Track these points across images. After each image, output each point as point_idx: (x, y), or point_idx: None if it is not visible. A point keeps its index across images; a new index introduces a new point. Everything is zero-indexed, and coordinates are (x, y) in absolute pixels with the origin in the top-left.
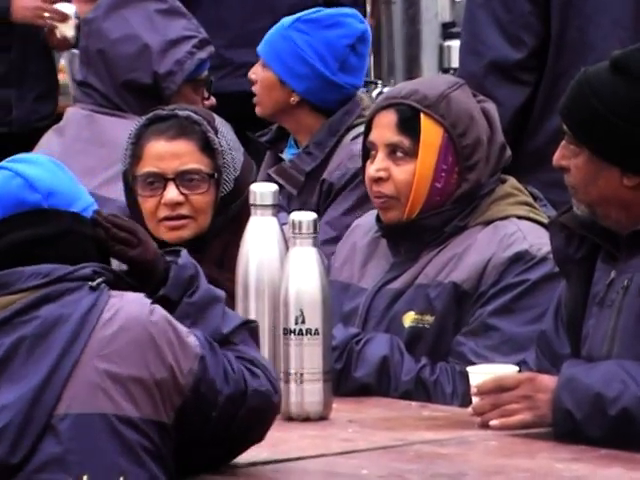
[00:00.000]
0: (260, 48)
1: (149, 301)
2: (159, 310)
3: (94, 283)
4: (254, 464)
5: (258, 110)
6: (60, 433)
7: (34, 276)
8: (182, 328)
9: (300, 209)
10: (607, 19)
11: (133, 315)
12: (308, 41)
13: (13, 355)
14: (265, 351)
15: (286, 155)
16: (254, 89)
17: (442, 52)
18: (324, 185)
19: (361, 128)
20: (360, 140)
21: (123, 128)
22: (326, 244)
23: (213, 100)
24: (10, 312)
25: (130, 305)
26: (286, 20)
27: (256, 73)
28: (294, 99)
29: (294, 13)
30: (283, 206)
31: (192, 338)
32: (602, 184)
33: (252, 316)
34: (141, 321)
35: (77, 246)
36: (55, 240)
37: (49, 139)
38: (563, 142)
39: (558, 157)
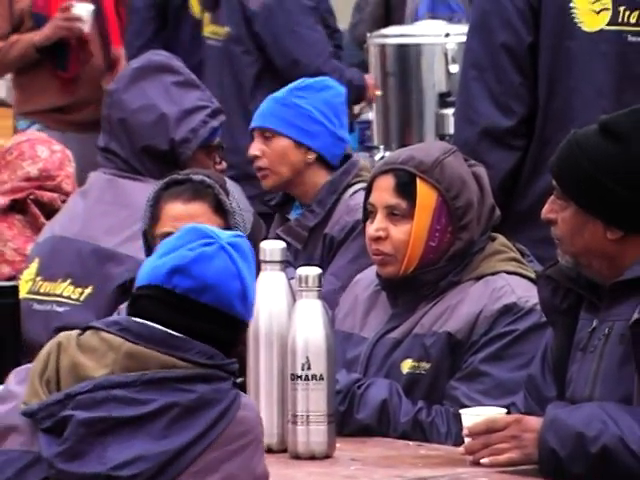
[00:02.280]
0: (261, 122)
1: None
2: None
3: (238, 380)
4: None
5: (270, 181)
6: None
7: (201, 354)
8: None
9: (306, 263)
10: (590, 90)
11: (254, 418)
12: (310, 103)
13: (162, 414)
14: (274, 395)
15: (292, 216)
16: (260, 164)
17: (439, 120)
18: (326, 239)
19: (358, 185)
20: (357, 196)
21: (142, 191)
22: (332, 294)
23: (224, 164)
24: (172, 375)
25: (250, 409)
26: (279, 93)
27: (260, 149)
28: (310, 157)
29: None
30: (290, 262)
31: None
32: (587, 236)
33: (262, 363)
34: (257, 425)
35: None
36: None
37: (75, 201)
38: (552, 197)
39: (547, 210)
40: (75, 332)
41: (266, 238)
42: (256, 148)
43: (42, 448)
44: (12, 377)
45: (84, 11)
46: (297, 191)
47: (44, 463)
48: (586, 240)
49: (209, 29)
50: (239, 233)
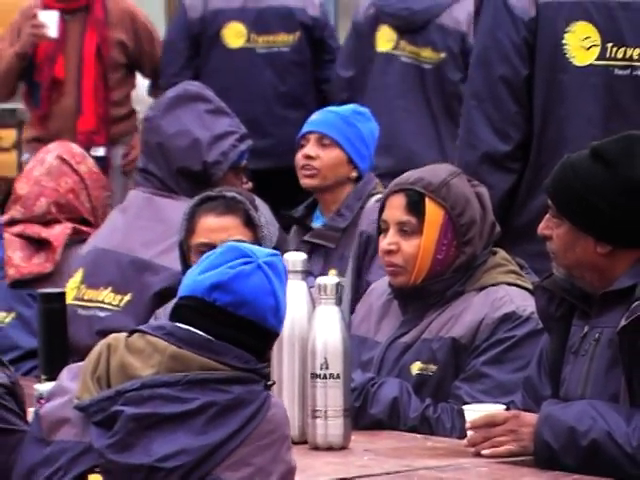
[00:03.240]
0: (324, 129)
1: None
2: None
3: (269, 383)
4: None
5: (315, 181)
6: None
7: (237, 359)
8: None
9: (340, 259)
10: (580, 119)
11: (282, 416)
12: (366, 128)
13: (202, 412)
14: (295, 392)
15: (316, 224)
16: (314, 164)
17: None
18: (362, 236)
19: (379, 195)
20: None
21: (176, 208)
22: None
23: (250, 184)
24: (212, 376)
25: (279, 408)
26: (343, 110)
27: (317, 152)
28: (353, 175)
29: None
30: (311, 271)
31: None
32: (579, 251)
33: (285, 363)
34: (285, 423)
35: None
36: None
37: (115, 216)
38: (547, 215)
39: (542, 227)
40: (123, 335)
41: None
42: (313, 150)
43: (93, 439)
44: (65, 374)
45: (48, 18)
46: (329, 197)
47: (94, 453)
48: (578, 254)
49: (407, 48)
50: (275, 252)
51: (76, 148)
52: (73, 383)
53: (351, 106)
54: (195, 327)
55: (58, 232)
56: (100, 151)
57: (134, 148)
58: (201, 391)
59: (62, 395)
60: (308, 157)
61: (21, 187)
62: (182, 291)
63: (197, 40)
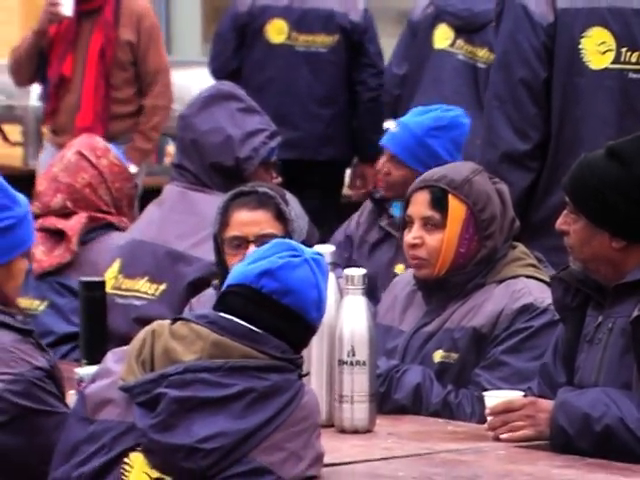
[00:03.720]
0: (395, 149)
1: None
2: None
3: (303, 373)
4: None
5: (389, 193)
6: (244, 470)
7: (276, 348)
8: None
9: None
10: (596, 120)
11: (314, 405)
12: (441, 144)
13: (241, 397)
14: (323, 378)
15: (392, 211)
16: (387, 179)
17: None
18: None
19: None
20: None
21: (209, 202)
22: None
23: (280, 179)
24: (251, 364)
25: (311, 396)
26: (417, 128)
27: (389, 167)
28: None
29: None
30: (339, 263)
31: None
32: (595, 245)
33: (314, 350)
34: (317, 412)
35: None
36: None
37: (151, 210)
38: (565, 211)
39: (560, 223)
40: (167, 322)
41: (324, 241)
42: (385, 166)
43: (136, 419)
44: (109, 357)
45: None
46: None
47: (137, 432)
48: (594, 248)
49: (464, 47)
50: (319, 252)
51: (99, 142)
52: (118, 366)
53: (429, 122)
54: (239, 315)
55: (73, 222)
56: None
57: None
58: (240, 377)
59: (107, 377)
60: (385, 174)
61: (40, 183)
62: (230, 280)
63: (243, 32)
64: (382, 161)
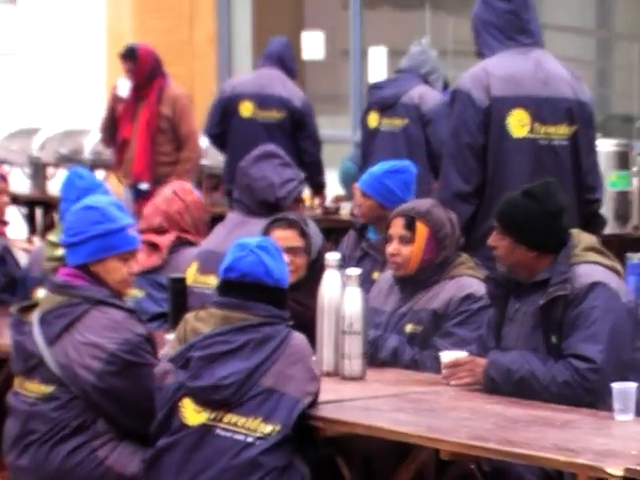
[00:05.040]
0: (363, 186)
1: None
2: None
3: (289, 323)
4: (326, 402)
5: (364, 219)
6: (257, 393)
7: (262, 310)
8: None
9: (382, 266)
10: (516, 172)
11: (302, 343)
12: (393, 183)
13: (244, 347)
14: (332, 342)
15: (369, 235)
16: (360, 210)
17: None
18: None
19: None
20: None
21: (257, 224)
22: None
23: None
24: (247, 324)
25: (300, 338)
26: (378, 170)
27: (361, 201)
28: (388, 213)
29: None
30: (343, 265)
31: None
32: (516, 256)
33: (325, 324)
34: (305, 347)
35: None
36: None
37: (219, 229)
38: (495, 232)
39: (491, 241)
40: (194, 312)
41: (335, 248)
42: (359, 200)
43: (179, 377)
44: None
45: (122, 84)
46: (377, 225)
47: (180, 385)
48: (516, 258)
49: (383, 121)
50: (267, 240)
51: (187, 185)
52: (168, 348)
53: (385, 167)
54: (233, 295)
55: (164, 239)
56: (144, 186)
57: None
58: (242, 334)
59: (163, 359)
60: (359, 205)
61: (147, 209)
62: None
63: (225, 109)
64: (357, 196)
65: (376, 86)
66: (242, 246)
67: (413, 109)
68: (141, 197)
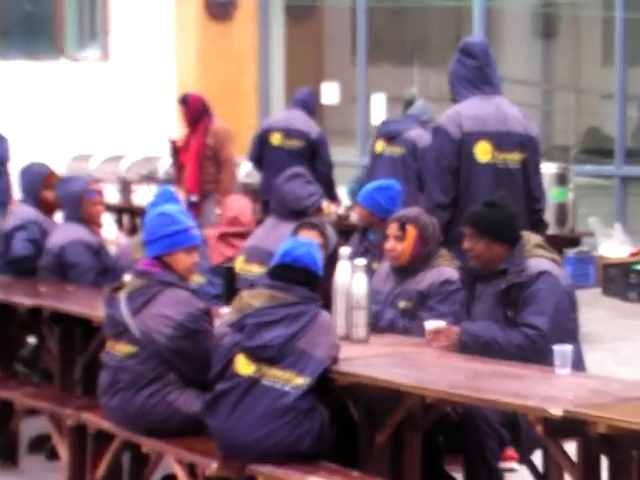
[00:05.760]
0: (361, 201)
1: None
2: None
3: (318, 303)
4: (340, 360)
5: (361, 224)
6: (292, 353)
7: (297, 292)
8: None
9: (380, 258)
10: (481, 188)
11: (327, 319)
12: (381, 198)
13: (285, 319)
14: (344, 316)
15: (370, 237)
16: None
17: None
18: None
19: None
20: None
21: (288, 227)
22: None
23: (325, 217)
24: (287, 301)
25: (326, 315)
26: (371, 189)
27: (360, 212)
28: (377, 220)
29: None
30: (352, 257)
31: None
32: (487, 255)
33: (338, 301)
34: (330, 321)
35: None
36: (317, 283)
37: (259, 230)
38: (468, 238)
39: (467, 245)
40: (247, 291)
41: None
42: (357, 210)
43: (235, 339)
44: (226, 311)
45: (173, 132)
46: (372, 228)
47: (237, 344)
48: (489, 254)
49: (387, 148)
50: (313, 241)
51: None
52: (228, 314)
53: (377, 184)
54: (278, 280)
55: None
56: (193, 198)
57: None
58: (283, 309)
59: (222, 325)
60: (359, 214)
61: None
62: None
63: (262, 139)
64: (357, 208)
65: (386, 122)
66: (296, 241)
67: (410, 144)
68: (191, 207)
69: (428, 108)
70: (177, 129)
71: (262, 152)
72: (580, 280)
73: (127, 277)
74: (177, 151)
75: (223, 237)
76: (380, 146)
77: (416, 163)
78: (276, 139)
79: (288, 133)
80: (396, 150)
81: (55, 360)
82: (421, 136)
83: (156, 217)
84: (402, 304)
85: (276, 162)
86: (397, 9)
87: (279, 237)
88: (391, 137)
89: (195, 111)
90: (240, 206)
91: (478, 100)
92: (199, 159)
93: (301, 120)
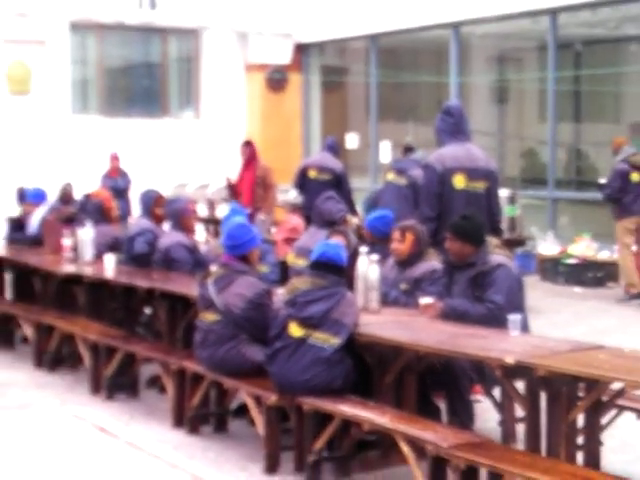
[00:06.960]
0: (366, 225)
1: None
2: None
3: (345, 286)
4: (360, 324)
5: (369, 240)
6: (329, 321)
7: (331, 278)
8: None
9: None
10: (457, 208)
11: (353, 299)
12: (379, 224)
13: (322, 298)
14: (362, 294)
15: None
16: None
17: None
18: None
19: None
20: None
21: (324, 233)
22: None
23: (347, 227)
24: (324, 285)
25: (352, 295)
26: (371, 218)
27: (366, 234)
28: (377, 239)
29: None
30: (368, 254)
31: None
32: (460, 250)
33: (360, 285)
34: (354, 301)
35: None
36: (343, 272)
37: (304, 236)
38: (448, 240)
39: (448, 245)
40: (295, 278)
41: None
42: (365, 233)
43: (288, 311)
44: (279, 291)
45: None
46: (376, 243)
47: (290, 315)
48: (464, 252)
49: (395, 178)
50: (339, 243)
51: (295, 219)
52: (279, 296)
53: (376, 214)
54: (316, 270)
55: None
56: (248, 211)
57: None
58: (321, 291)
59: (279, 301)
60: (367, 235)
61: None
62: (313, 258)
63: (303, 174)
64: (364, 231)
65: (397, 160)
66: (327, 244)
67: (412, 179)
68: (247, 217)
69: (426, 156)
70: (231, 172)
71: (303, 182)
72: (525, 270)
73: (213, 268)
74: (230, 185)
75: (287, 241)
76: (390, 176)
77: (414, 193)
78: (312, 173)
79: (321, 169)
80: (402, 181)
81: (163, 325)
82: (419, 176)
83: (237, 227)
84: (403, 286)
85: (313, 189)
86: (398, 83)
87: (317, 240)
88: (400, 171)
89: (251, 152)
90: (297, 221)
91: (455, 145)
92: (252, 186)
93: (329, 160)
